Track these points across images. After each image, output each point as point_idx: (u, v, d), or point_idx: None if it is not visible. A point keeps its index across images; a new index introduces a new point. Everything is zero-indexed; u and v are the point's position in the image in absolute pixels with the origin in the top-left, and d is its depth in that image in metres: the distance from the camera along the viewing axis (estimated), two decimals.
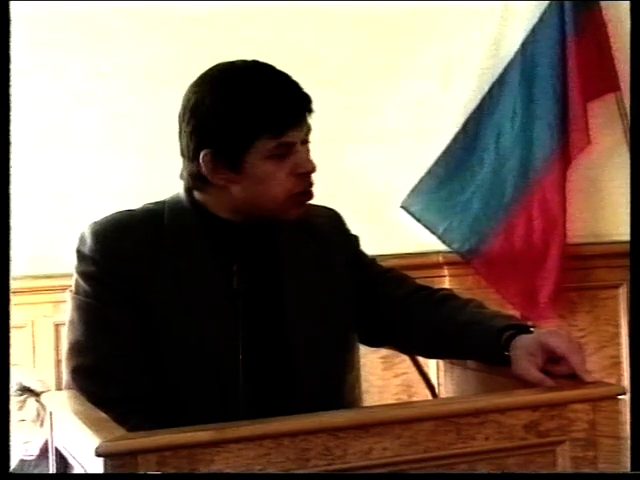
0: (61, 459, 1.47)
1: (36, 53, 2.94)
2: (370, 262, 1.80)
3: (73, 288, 1.60)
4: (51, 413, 1.56)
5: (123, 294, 1.55)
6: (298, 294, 1.63)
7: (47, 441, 1.58)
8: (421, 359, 1.80)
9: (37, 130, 2.97)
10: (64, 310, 1.64)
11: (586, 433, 1.35)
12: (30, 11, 2.81)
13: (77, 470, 1.35)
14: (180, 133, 1.60)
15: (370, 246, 1.82)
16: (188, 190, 1.63)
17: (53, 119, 3.02)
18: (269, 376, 1.58)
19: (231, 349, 1.49)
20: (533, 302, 3.18)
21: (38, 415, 2.51)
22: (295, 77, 1.58)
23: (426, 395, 1.77)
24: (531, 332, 1.51)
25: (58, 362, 2.85)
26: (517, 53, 3.25)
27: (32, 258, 2.84)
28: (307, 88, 1.58)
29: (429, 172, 3.23)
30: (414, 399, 2.98)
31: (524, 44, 3.24)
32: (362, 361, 1.75)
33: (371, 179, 3.21)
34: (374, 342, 1.80)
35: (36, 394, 2.50)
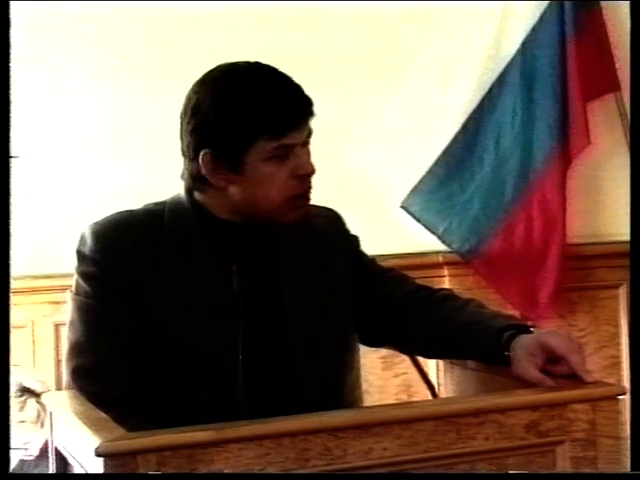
0: (61, 459, 1.47)
1: (36, 53, 2.93)
2: (370, 262, 1.80)
3: (73, 288, 1.60)
4: (51, 413, 1.56)
5: (123, 294, 1.55)
6: (298, 294, 1.63)
7: (47, 441, 1.58)
8: (421, 359, 1.80)
9: (37, 130, 2.97)
10: (64, 310, 1.65)
11: (586, 433, 1.35)
12: (30, 11, 2.81)
13: (77, 470, 1.35)
14: (181, 133, 1.60)
15: (370, 246, 1.82)
16: (188, 191, 1.63)
17: (53, 119, 3.01)
18: (269, 376, 1.58)
19: (231, 349, 1.49)
20: (533, 302, 3.18)
21: (38, 416, 2.51)
22: (295, 77, 1.58)
23: (426, 395, 1.77)
24: (531, 332, 1.51)
25: (58, 362, 2.85)
26: (517, 53, 3.25)
27: (32, 258, 2.84)
28: (307, 88, 1.58)
29: (429, 172, 3.23)
30: (414, 399, 2.97)
31: (524, 44, 3.24)
32: (362, 361, 1.75)
33: (371, 179, 3.21)
34: (374, 342, 1.80)
35: (36, 395, 2.50)
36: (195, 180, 1.59)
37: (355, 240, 1.80)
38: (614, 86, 3.22)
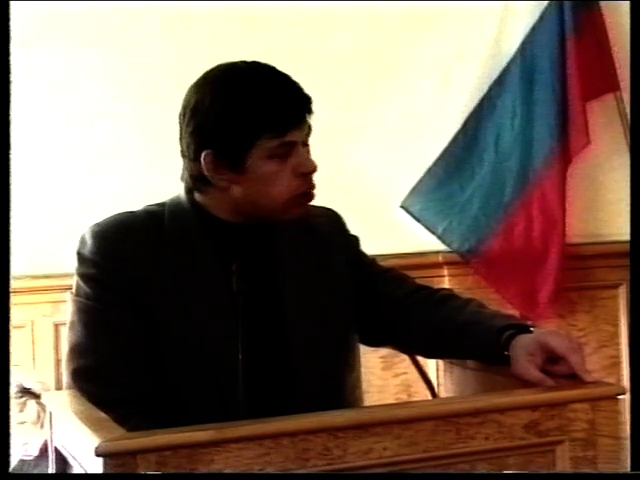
0: (61, 459, 1.47)
1: (36, 53, 2.93)
2: (370, 262, 1.80)
3: (74, 290, 1.60)
4: (51, 413, 1.56)
5: (123, 296, 1.55)
6: (298, 294, 1.63)
7: (46, 441, 1.58)
8: (421, 359, 1.79)
9: (37, 130, 2.97)
10: (64, 310, 1.65)
11: (586, 433, 1.35)
12: (30, 11, 2.81)
13: (76, 470, 1.35)
14: (181, 134, 1.60)
15: (370, 246, 1.82)
16: (188, 191, 1.63)
17: (53, 119, 3.01)
18: (269, 376, 1.58)
19: (231, 349, 1.49)
20: (533, 302, 3.18)
21: (39, 417, 2.52)
22: (295, 77, 1.58)
23: (426, 395, 1.77)
24: (531, 332, 1.51)
25: (58, 362, 2.85)
26: (517, 53, 3.25)
27: (32, 258, 2.84)
28: (307, 88, 1.58)
29: (429, 172, 3.23)
30: (414, 399, 2.98)
31: (524, 44, 3.24)
32: (362, 361, 1.75)
33: (371, 179, 3.21)
34: (374, 342, 1.80)
35: (36, 396, 2.50)
36: (196, 181, 1.59)
37: (355, 240, 1.80)
38: (614, 86, 3.23)
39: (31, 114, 2.93)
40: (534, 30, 3.24)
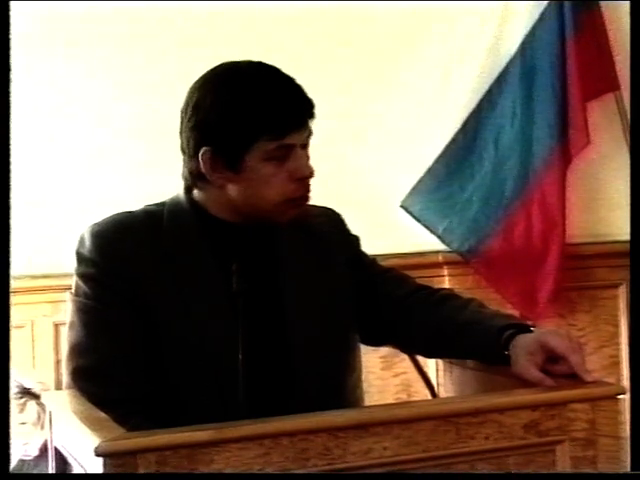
0: (60, 459, 1.47)
1: (36, 53, 2.93)
2: (370, 262, 1.80)
3: (73, 290, 1.60)
4: (50, 413, 1.56)
5: (123, 295, 1.55)
6: (298, 294, 1.63)
7: (46, 441, 1.58)
8: (421, 359, 1.79)
9: (37, 130, 2.97)
10: (63, 310, 1.65)
11: (586, 433, 1.35)
12: (30, 11, 2.81)
13: (76, 470, 1.35)
14: (181, 129, 1.60)
15: (370, 246, 1.82)
16: (187, 190, 1.63)
17: (53, 119, 3.02)
18: (269, 376, 1.58)
19: (231, 349, 1.49)
20: (533, 302, 3.18)
21: (39, 418, 2.52)
22: (294, 77, 1.58)
23: (426, 395, 1.77)
24: (531, 331, 1.51)
25: (58, 362, 2.85)
26: (517, 53, 3.25)
27: (31, 258, 2.84)
28: (307, 89, 1.58)
29: (429, 172, 3.24)
30: (414, 399, 2.98)
31: (523, 44, 3.25)
32: (362, 361, 1.75)
33: (371, 179, 3.21)
34: (374, 342, 1.80)
35: (36, 397, 2.51)
36: (194, 178, 1.59)
37: (355, 240, 1.80)
38: (613, 86, 3.23)
39: (31, 114, 2.93)
40: (534, 30, 3.24)
